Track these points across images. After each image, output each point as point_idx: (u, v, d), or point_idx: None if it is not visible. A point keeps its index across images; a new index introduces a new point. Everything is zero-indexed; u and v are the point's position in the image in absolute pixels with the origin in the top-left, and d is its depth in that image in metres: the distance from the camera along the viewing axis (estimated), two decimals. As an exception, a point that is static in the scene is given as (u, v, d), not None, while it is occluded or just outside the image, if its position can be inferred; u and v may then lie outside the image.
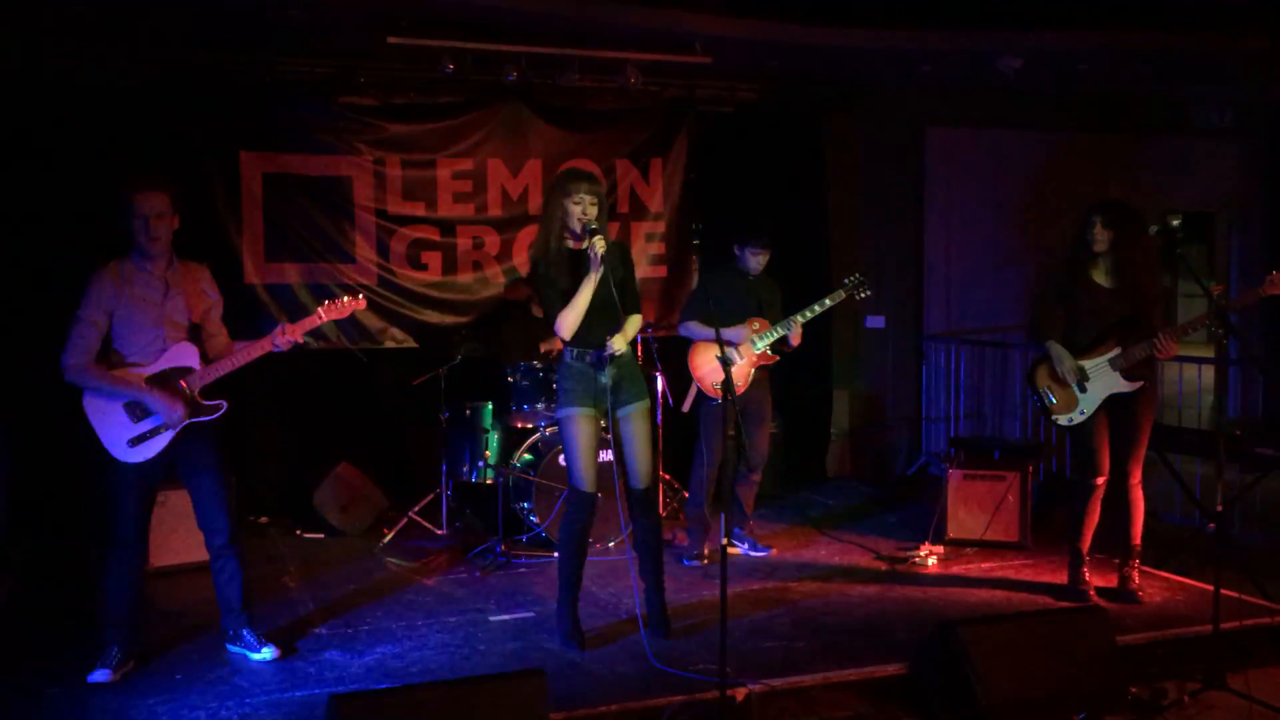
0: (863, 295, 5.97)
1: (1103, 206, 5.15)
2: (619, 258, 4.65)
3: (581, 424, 4.61)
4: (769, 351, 5.90)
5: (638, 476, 4.72)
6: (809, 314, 5.87)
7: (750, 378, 5.90)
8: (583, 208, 4.51)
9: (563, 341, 4.65)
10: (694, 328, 5.86)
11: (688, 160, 7.85)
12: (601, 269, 4.47)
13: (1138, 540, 5.26)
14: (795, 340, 5.88)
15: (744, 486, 6.10)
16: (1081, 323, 5.19)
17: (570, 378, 4.64)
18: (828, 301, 5.89)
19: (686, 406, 6.03)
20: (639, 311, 4.77)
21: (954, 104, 8.53)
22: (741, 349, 5.86)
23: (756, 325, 5.87)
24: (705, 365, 5.88)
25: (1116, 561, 5.37)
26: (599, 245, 4.43)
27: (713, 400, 5.90)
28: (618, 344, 4.57)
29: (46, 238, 6.34)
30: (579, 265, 4.55)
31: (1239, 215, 9.82)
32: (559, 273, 4.57)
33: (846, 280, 5.97)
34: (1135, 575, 5.27)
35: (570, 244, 4.60)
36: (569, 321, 4.53)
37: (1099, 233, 5.08)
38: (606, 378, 4.63)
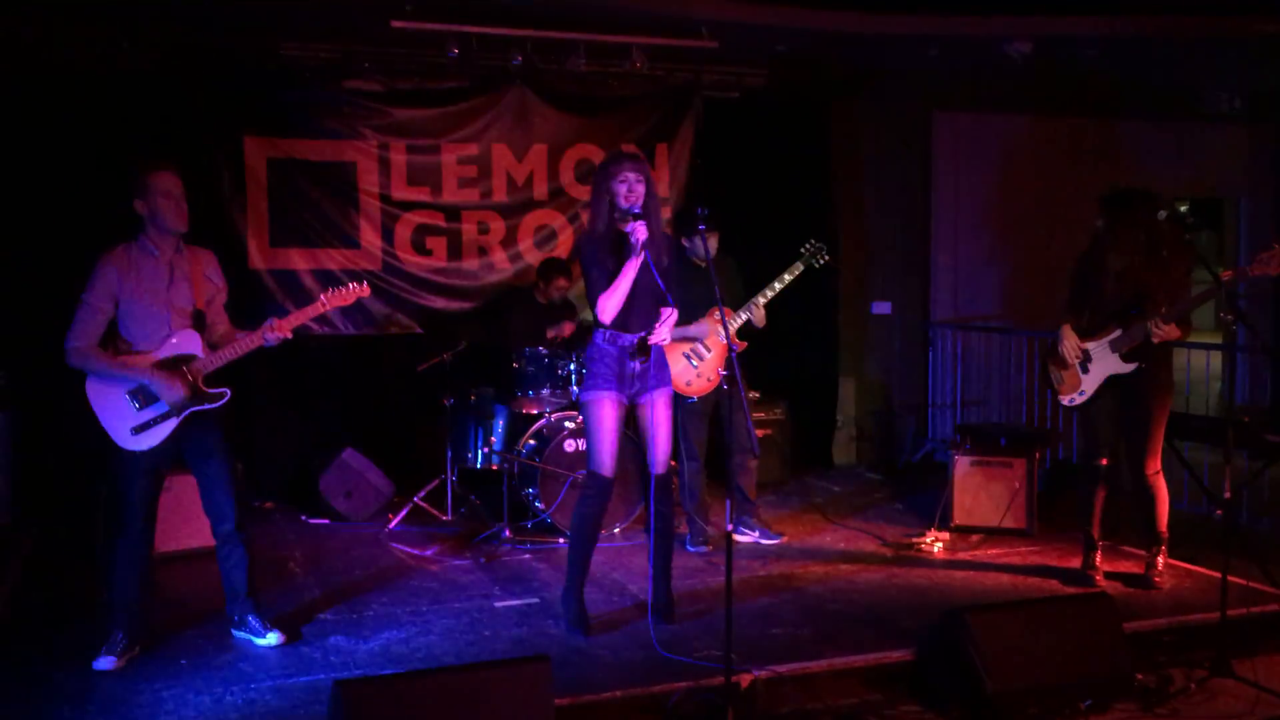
0: (821, 262, 5.86)
1: (1104, 197, 5.17)
2: (665, 248, 4.60)
3: (608, 408, 4.56)
4: (736, 338, 5.84)
5: (658, 462, 4.69)
6: (769, 293, 5.77)
7: (721, 368, 5.81)
8: (628, 186, 4.41)
9: (598, 324, 4.59)
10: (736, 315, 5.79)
11: (694, 146, 7.81)
12: (644, 255, 4.40)
13: (1163, 528, 5.25)
14: (759, 322, 5.79)
15: (742, 476, 6.07)
16: (1098, 308, 5.21)
17: (600, 360, 4.57)
18: (787, 277, 5.76)
19: None
20: (669, 303, 4.70)
21: (962, 89, 8.48)
22: (708, 342, 5.77)
23: (718, 315, 5.77)
24: (675, 366, 5.78)
25: (1142, 552, 5.38)
26: (640, 231, 4.37)
27: (689, 400, 5.85)
28: (662, 334, 4.53)
29: (53, 223, 6.33)
30: (624, 246, 4.47)
31: (1250, 202, 9.78)
32: (604, 254, 4.50)
33: (803, 249, 5.83)
34: (1159, 563, 5.26)
35: (618, 226, 4.51)
36: (610, 306, 4.46)
37: (1099, 222, 5.12)
38: (637, 364, 4.60)
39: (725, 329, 4.27)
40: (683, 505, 6.12)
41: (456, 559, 5.81)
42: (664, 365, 4.71)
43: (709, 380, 5.78)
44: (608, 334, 4.56)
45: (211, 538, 4.56)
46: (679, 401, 5.87)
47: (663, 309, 4.60)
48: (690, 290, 5.71)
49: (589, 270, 4.56)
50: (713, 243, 5.81)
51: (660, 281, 4.41)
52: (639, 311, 4.53)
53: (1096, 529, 5.34)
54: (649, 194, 4.46)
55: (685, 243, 5.79)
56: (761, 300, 5.74)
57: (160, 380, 4.24)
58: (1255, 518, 6.37)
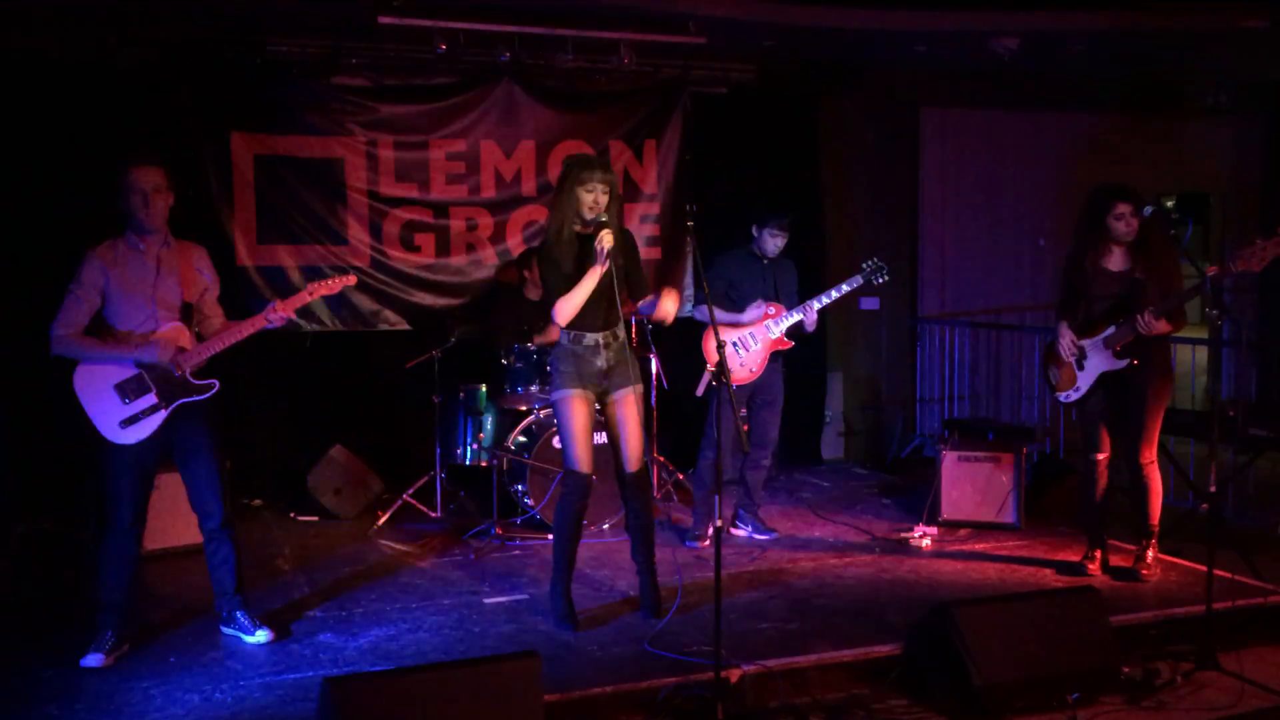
0: (881, 281, 5.91)
1: (1130, 193, 5.08)
2: (621, 245, 4.64)
3: (577, 405, 4.61)
4: (784, 337, 5.87)
5: (629, 460, 4.72)
6: (825, 299, 5.82)
7: (764, 363, 5.87)
8: (594, 196, 4.50)
9: (558, 326, 4.64)
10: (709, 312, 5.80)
11: (682, 141, 7.81)
12: (608, 264, 4.47)
13: (1154, 521, 5.28)
14: (810, 326, 5.84)
15: (753, 471, 6.09)
16: (1091, 305, 5.22)
17: (566, 360, 4.64)
18: (845, 287, 5.82)
19: (700, 391, 6.00)
20: (650, 291, 4.77)
21: (949, 85, 8.50)
22: (756, 333, 5.82)
23: (772, 310, 5.83)
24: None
25: (1130, 546, 5.41)
26: (606, 240, 4.44)
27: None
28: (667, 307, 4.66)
29: (39, 218, 6.30)
30: (586, 251, 4.55)
31: (1235, 196, 9.82)
32: (565, 257, 4.58)
33: (864, 265, 5.89)
34: (1149, 556, 5.29)
35: (579, 229, 4.60)
36: (566, 310, 4.55)
37: (1130, 221, 5.05)
38: (602, 361, 4.63)
39: (716, 332, 4.27)
40: (694, 493, 6.13)
41: (445, 555, 5.81)
42: (631, 362, 4.75)
43: (750, 372, 5.83)
44: (571, 334, 4.63)
45: (200, 535, 4.55)
46: (712, 391, 5.89)
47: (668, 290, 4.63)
48: (747, 283, 5.84)
49: (547, 272, 4.63)
50: (780, 242, 5.90)
51: (615, 285, 4.49)
52: (596, 311, 4.59)
53: (1096, 521, 5.37)
54: (613, 200, 4.55)
55: (755, 232, 5.86)
56: (816, 305, 5.79)
57: (145, 345, 4.23)
58: (1240, 511, 6.40)
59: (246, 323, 4.38)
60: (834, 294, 5.81)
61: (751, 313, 5.80)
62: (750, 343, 5.82)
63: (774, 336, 5.83)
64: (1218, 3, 6.82)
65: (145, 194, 4.25)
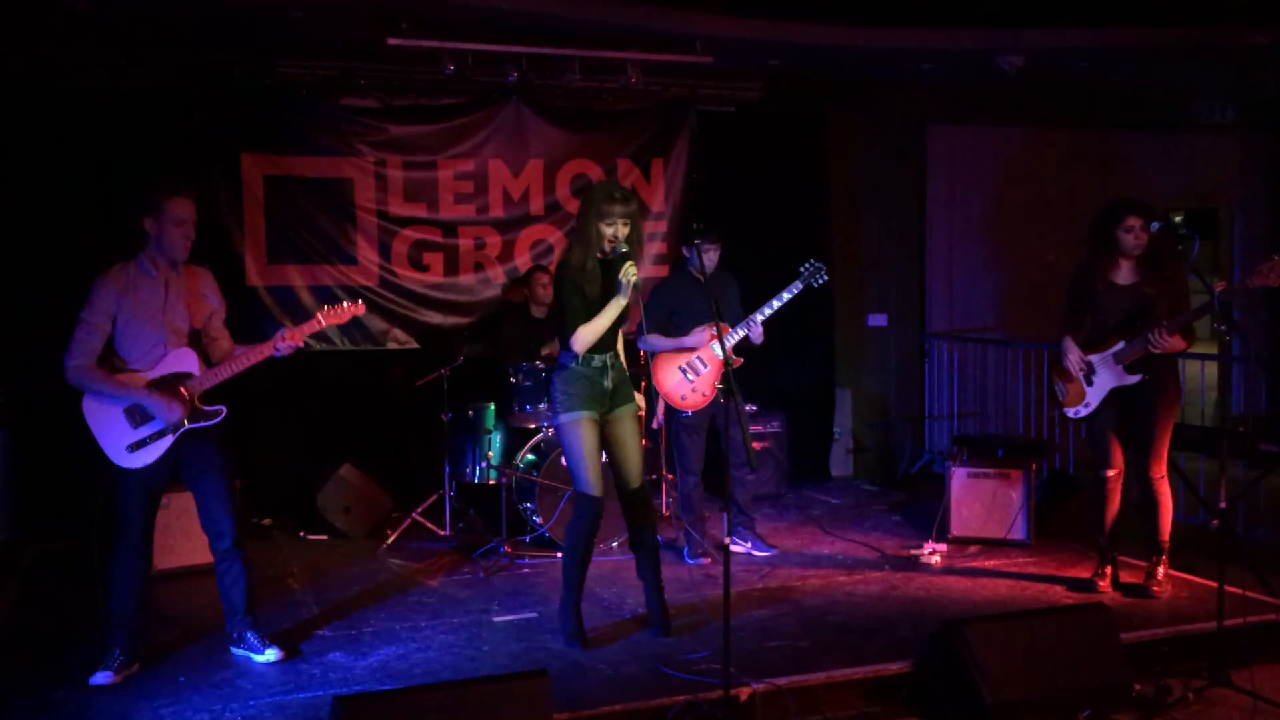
0: (820, 282, 5.87)
1: (1141, 207, 5.08)
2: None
3: (587, 428, 4.62)
4: (732, 354, 5.83)
5: (631, 477, 4.74)
6: (768, 310, 5.76)
7: (716, 384, 5.82)
8: (615, 230, 4.52)
9: (566, 349, 4.65)
10: (654, 341, 5.74)
11: (689, 160, 7.85)
12: (631, 295, 4.49)
13: (1164, 537, 5.25)
14: (756, 339, 5.79)
15: (740, 489, 6.07)
16: (1099, 321, 5.21)
17: (574, 382, 4.64)
18: (786, 295, 5.74)
19: (657, 424, 5.97)
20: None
21: (955, 102, 8.52)
22: (704, 357, 5.79)
23: (714, 330, 5.78)
24: (670, 379, 5.78)
25: (1141, 562, 5.39)
26: (631, 274, 4.45)
27: (684, 414, 5.85)
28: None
29: (49, 240, 6.34)
30: (609, 276, 4.57)
31: (1243, 211, 9.82)
32: (588, 283, 4.58)
33: (802, 269, 5.82)
34: (1159, 573, 5.27)
35: (599, 256, 4.61)
36: (587, 337, 4.54)
37: (1140, 234, 5.05)
38: (608, 381, 4.65)
39: (721, 344, 4.29)
40: (680, 518, 6.13)
41: (455, 574, 5.81)
42: (628, 382, 4.79)
43: (704, 395, 5.78)
44: (580, 357, 4.62)
45: (210, 554, 4.57)
46: (673, 415, 5.89)
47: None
48: (688, 303, 5.75)
49: (569, 298, 4.59)
50: (713, 256, 5.84)
51: (646, 319, 4.51)
52: (607, 336, 4.61)
53: (1106, 538, 5.35)
54: (635, 228, 4.57)
55: (686, 253, 5.80)
56: (760, 317, 5.74)
57: (157, 400, 4.25)
58: (1251, 527, 6.38)
59: (254, 350, 4.39)
60: (775, 304, 5.72)
61: (695, 336, 5.72)
62: (699, 366, 5.76)
63: (722, 356, 5.74)
64: (1223, 19, 6.84)
65: (186, 226, 4.29)
